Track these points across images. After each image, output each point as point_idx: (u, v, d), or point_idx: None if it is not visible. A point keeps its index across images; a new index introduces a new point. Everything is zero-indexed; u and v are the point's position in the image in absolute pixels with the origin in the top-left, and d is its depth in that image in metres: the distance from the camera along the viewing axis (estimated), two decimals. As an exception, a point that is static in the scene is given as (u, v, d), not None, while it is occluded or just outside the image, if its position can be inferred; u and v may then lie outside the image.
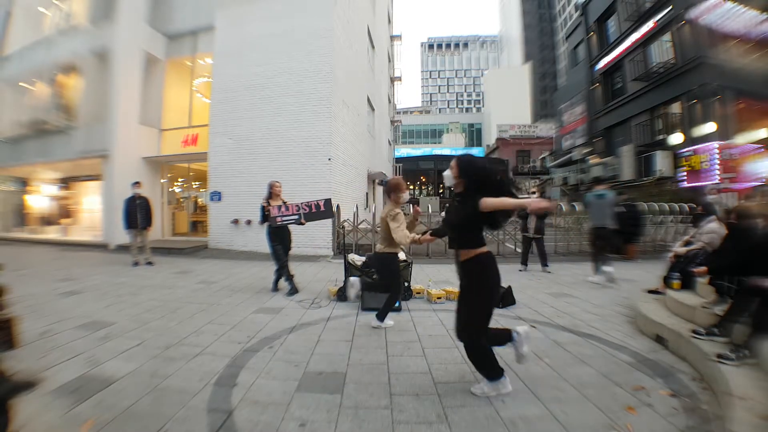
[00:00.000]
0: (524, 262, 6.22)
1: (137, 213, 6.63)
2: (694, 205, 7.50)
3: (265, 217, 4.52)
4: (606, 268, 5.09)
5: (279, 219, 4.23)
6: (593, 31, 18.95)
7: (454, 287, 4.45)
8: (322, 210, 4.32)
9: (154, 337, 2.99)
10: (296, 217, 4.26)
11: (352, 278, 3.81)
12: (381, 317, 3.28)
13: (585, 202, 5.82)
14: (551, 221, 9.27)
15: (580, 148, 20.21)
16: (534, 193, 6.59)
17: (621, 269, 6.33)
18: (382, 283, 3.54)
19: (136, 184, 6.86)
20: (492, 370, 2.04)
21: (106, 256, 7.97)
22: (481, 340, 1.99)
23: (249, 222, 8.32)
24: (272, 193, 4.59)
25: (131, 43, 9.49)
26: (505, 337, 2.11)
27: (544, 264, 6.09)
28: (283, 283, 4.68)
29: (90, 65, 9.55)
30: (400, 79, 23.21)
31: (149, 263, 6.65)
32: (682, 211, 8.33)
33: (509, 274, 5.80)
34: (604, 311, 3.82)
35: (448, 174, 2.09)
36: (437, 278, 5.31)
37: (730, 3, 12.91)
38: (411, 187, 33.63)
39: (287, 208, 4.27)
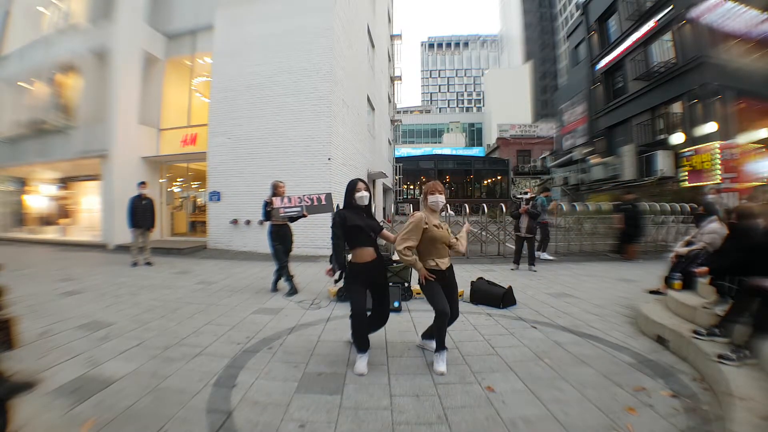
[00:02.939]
0: (516, 261, 6.36)
1: (143, 213, 6.62)
2: (696, 205, 7.50)
3: (268, 214, 4.50)
4: (542, 254, 7.34)
5: (282, 211, 4.24)
6: (594, 30, 18.94)
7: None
8: (323, 204, 4.33)
9: (154, 337, 2.99)
10: (299, 209, 4.27)
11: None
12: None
13: (540, 203, 6.72)
14: (552, 221, 9.25)
15: (581, 148, 20.21)
16: (527, 193, 6.63)
17: (622, 269, 6.35)
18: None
19: (142, 184, 6.84)
20: None
21: (105, 256, 7.96)
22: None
23: (248, 222, 8.32)
24: (276, 194, 4.59)
25: (130, 43, 9.47)
26: None
27: (531, 263, 6.26)
28: (282, 284, 4.67)
29: (89, 65, 9.54)
30: (400, 78, 23.16)
31: (148, 263, 6.64)
32: (684, 211, 8.32)
33: (510, 274, 5.83)
34: (605, 311, 3.81)
35: (367, 195, 2.59)
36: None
37: (730, 2, 12.90)
38: (411, 186, 33.53)
39: (290, 200, 4.28)
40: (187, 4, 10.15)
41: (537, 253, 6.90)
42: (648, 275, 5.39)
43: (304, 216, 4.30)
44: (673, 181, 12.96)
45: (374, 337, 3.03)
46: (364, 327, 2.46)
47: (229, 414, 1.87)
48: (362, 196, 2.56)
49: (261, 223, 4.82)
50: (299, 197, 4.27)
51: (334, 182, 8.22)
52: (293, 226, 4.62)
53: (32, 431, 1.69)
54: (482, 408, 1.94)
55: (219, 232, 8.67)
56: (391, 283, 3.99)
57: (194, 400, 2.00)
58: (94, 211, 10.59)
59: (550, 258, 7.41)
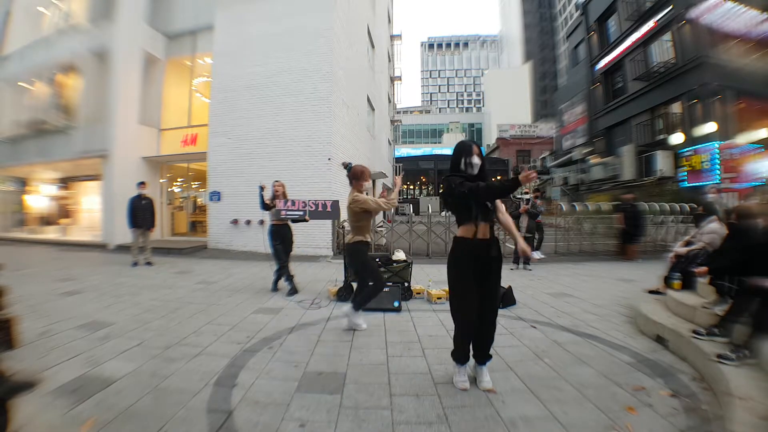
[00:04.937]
0: (516, 261, 6.43)
1: (143, 212, 6.63)
2: (695, 205, 7.50)
3: (266, 205, 4.49)
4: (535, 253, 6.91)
5: (284, 213, 4.25)
6: (594, 30, 18.95)
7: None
8: (329, 210, 4.33)
9: (154, 337, 2.99)
10: (301, 213, 4.27)
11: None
12: (357, 305, 3.14)
13: (535, 204, 6.86)
14: (552, 221, 9.27)
15: (581, 148, 20.20)
16: (527, 193, 6.68)
17: (622, 269, 6.36)
18: (362, 278, 3.30)
19: (142, 184, 6.85)
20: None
21: (105, 256, 7.96)
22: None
23: (249, 222, 8.32)
24: (275, 195, 4.59)
25: (131, 43, 9.48)
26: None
27: (526, 262, 6.37)
28: (282, 284, 4.67)
29: (89, 65, 9.54)
30: (400, 78, 23.16)
31: (148, 263, 6.64)
32: (683, 211, 8.32)
33: (510, 274, 5.83)
34: (605, 311, 3.81)
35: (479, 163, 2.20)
36: (437, 278, 5.30)
37: (730, 3, 12.91)
38: (411, 186, 33.42)
39: (293, 203, 4.29)
40: (187, 5, 10.16)
41: (533, 253, 6.98)
42: (648, 275, 5.39)
43: (306, 221, 4.31)
44: (673, 181, 12.97)
45: (374, 337, 3.04)
46: (469, 334, 2.14)
47: (229, 414, 1.87)
48: (475, 163, 2.15)
49: (261, 222, 4.82)
50: (304, 202, 4.28)
51: (334, 182, 8.22)
52: (293, 226, 4.63)
53: (32, 431, 1.69)
54: (482, 408, 1.94)
55: (219, 232, 8.67)
56: (390, 283, 4.00)
57: (194, 400, 2.00)
58: (94, 211, 10.60)
59: (542, 256, 7.46)
